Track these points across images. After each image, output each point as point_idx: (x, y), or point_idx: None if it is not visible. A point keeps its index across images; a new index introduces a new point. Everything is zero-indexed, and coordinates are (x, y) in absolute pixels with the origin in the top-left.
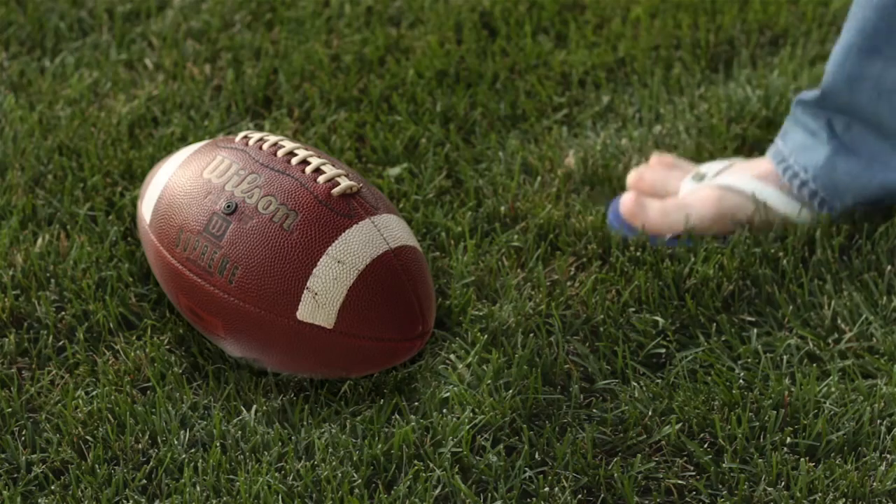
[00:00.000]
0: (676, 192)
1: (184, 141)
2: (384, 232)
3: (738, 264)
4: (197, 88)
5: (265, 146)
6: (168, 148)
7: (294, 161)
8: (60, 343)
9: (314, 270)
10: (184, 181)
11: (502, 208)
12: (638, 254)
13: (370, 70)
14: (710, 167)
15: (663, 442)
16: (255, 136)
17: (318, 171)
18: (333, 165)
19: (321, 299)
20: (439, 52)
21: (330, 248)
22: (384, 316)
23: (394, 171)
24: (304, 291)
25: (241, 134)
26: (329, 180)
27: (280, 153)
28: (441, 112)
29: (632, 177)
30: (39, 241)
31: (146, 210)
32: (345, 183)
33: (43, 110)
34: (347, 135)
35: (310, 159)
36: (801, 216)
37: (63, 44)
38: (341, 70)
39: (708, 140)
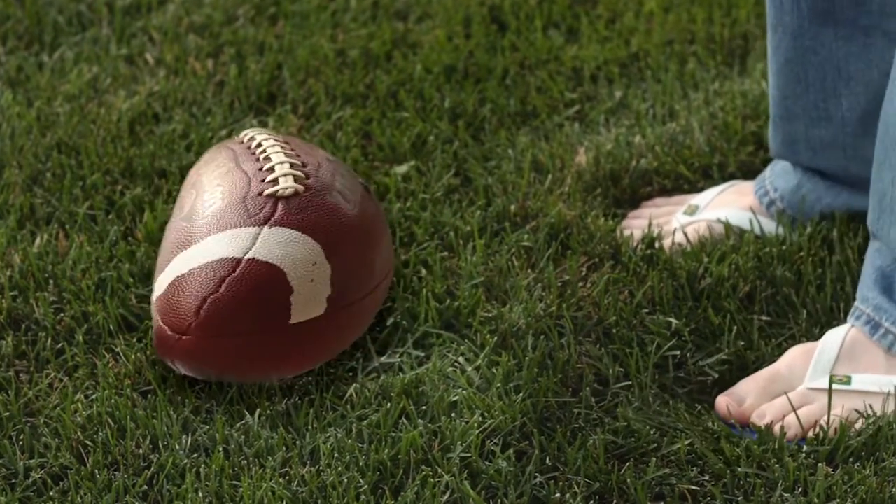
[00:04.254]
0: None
1: (185, 138)
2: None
3: (754, 264)
4: (199, 84)
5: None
6: (169, 145)
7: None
8: (59, 345)
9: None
10: (345, 230)
11: (512, 207)
12: (651, 253)
13: (377, 65)
14: (703, 197)
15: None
16: (257, 138)
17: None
18: (292, 165)
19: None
20: (447, 46)
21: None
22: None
23: (401, 168)
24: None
25: (291, 185)
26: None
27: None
28: (449, 108)
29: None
30: (38, 240)
31: (312, 307)
32: (281, 186)
33: (41, 106)
34: (353, 132)
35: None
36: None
37: (62, 38)
38: (347, 65)
39: (723, 138)
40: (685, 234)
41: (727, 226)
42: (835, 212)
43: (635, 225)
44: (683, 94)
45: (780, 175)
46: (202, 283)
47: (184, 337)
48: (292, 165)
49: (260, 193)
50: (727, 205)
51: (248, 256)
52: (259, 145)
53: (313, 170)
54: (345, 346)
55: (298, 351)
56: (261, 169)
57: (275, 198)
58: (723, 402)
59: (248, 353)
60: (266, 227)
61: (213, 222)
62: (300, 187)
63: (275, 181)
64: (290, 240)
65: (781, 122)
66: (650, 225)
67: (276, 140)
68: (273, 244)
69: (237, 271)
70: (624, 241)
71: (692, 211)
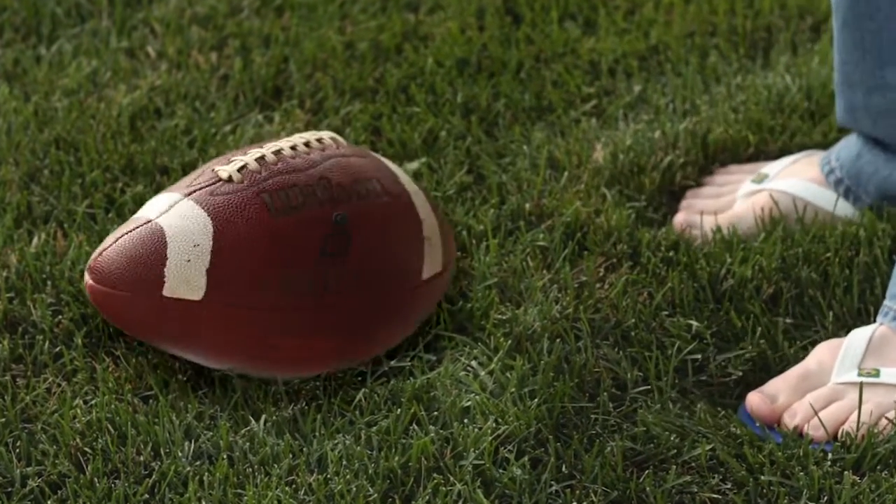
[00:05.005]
0: (731, 205)
1: (188, 134)
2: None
3: (778, 265)
4: (202, 78)
5: (275, 158)
6: (172, 141)
7: (306, 150)
8: (57, 349)
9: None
10: (251, 234)
11: (527, 205)
12: (671, 254)
13: (386, 58)
14: (774, 166)
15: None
16: (244, 160)
17: (316, 141)
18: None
19: (432, 245)
20: (460, 39)
21: (405, 183)
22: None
23: (412, 165)
24: (424, 242)
25: (222, 170)
26: (330, 138)
27: (289, 154)
28: (462, 103)
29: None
30: (35, 240)
31: (187, 288)
32: (327, 134)
33: (38, 101)
34: (362, 127)
35: (297, 139)
36: (838, 209)
37: (60, 30)
38: (356, 58)
39: (747, 133)
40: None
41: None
42: (888, 190)
43: (690, 220)
44: (705, 88)
45: (844, 145)
46: (112, 235)
47: (87, 279)
48: (263, 157)
49: (212, 170)
50: (794, 175)
51: (156, 219)
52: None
53: (282, 169)
54: (229, 354)
55: (173, 328)
56: (244, 153)
57: (216, 177)
58: (756, 398)
59: (126, 312)
60: (185, 199)
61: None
62: (237, 175)
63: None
64: (191, 216)
65: (842, 88)
66: (702, 220)
67: (287, 142)
68: (177, 214)
69: (135, 230)
70: (645, 240)
71: (760, 179)
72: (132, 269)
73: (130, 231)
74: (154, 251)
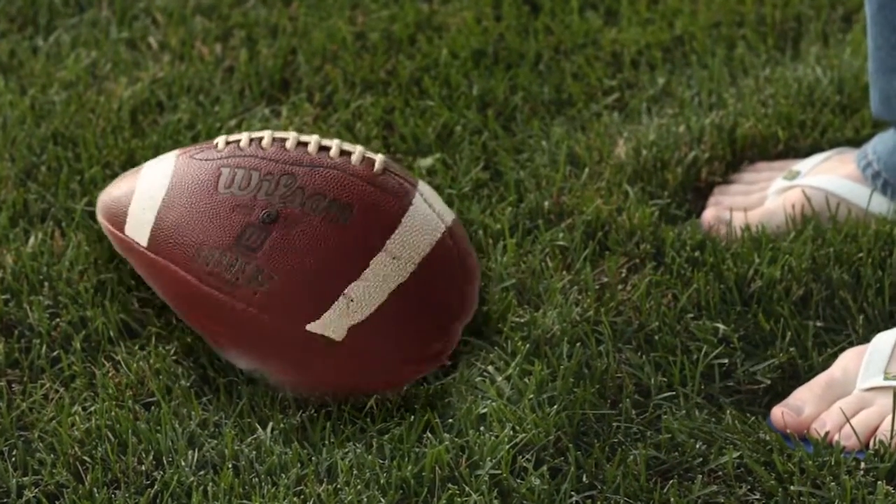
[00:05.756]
0: (762, 202)
1: (191, 128)
2: (434, 205)
3: (808, 266)
4: (206, 70)
5: (265, 143)
6: (174, 136)
7: (312, 149)
8: (55, 353)
9: (363, 273)
10: (193, 200)
11: (546, 203)
12: (696, 254)
13: (399, 50)
14: (805, 163)
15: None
16: (239, 137)
17: (344, 153)
18: (345, 143)
19: (354, 307)
20: (476, 29)
21: (388, 240)
22: (414, 329)
23: (425, 161)
24: (340, 298)
25: (220, 139)
26: (363, 159)
27: (290, 145)
28: (478, 96)
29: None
30: (31, 239)
31: (139, 233)
32: (379, 157)
33: (35, 94)
34: (374, 122)
35: (325, 143)
36: (872, 204)
37: (58, 20)
38: (367, 50)
39: (776, 128)
40: (781, 202)
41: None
42: None
43: (719, 216)
44: (732, 80)
45: (879, 139)
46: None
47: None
48: (260, 139)
49: (372, 175)
50: (828, 171)
51: (144, 166)
52: (275, 140)
53: (263, 155)
54: (172, 304)
55: (133, 262)
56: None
57: (212, 143)
58: (778, 413)
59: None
60: (173, 157)
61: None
62: (222, 144)
63: (364, 159)
64: (162, 172)
65: (876, 76)
66: (731, 216)
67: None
68: (157, 167)
69: (132, 172)
70: (669, 239)
71: (792, 176)
72: (114, 204)
73: (131, 172)
74: (126, 193)
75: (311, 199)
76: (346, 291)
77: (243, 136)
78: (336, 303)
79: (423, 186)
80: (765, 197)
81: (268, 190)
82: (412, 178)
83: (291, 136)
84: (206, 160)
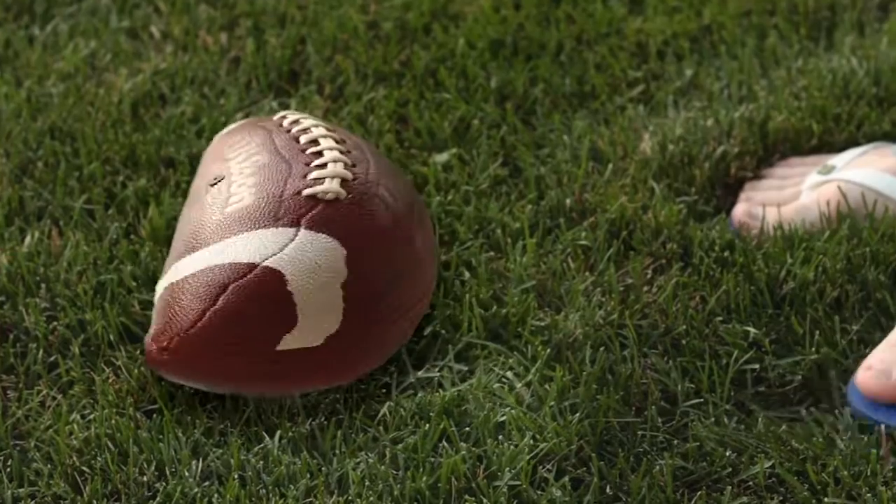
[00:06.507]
0: (795, 197)
1: (195, 122)
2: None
3: (843, 266)
4: (211, 61)
5: (293, 130)
6: (178, 130)
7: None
8: (52, 358)
9: None
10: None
11: (567, 201)
12: (726, 254)
13: (413, 39)
14: (841, 158)
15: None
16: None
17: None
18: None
19: None
20: (494, 18)
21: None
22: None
23: (441, 157)
24: None
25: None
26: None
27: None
28: (496, 89)
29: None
30: (27, 239)
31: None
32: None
33: (32, 87)
34: (387, 115)
35: (326, 152)
36: None
37: (55, 9)
38: (380, 39)
39: (809, 122)
40: (815, 196)
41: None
42: None
43: (751, 211)
44: (763, 72)
45: None
46: (203, 291)
47: (168, 350)
48: (345, 165)
49: (297, 192)
50: (865, 165)
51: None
52: (305, 130)
53: (363, 171)
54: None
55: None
56: (308, 164)
57: (315, 199)
58: (867, 377)
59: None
60: (302, 229)
61: (235, 223)
62: (342, 192)
63: (319, 180)
64: (321, 247)
65: None
66: (764, 213)
67: (328, 130)
68: (299, 249)
69: (245, 278)
70: (697, 238)
71: (827, 171)
72: (247, 328)
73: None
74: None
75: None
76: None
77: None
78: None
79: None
80: (798, 192)
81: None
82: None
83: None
84: (343, 210)
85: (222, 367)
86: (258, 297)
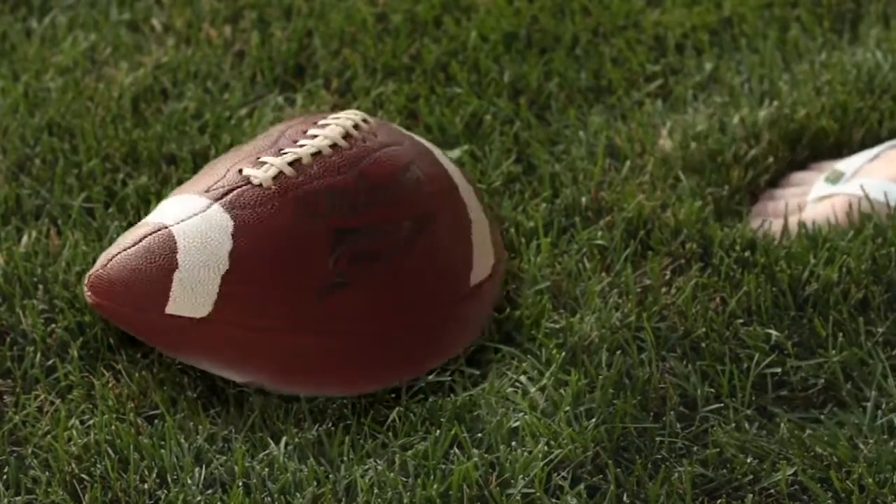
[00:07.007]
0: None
1: (198, 118)
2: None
3: (868, 266)
4: (215, 54)
5: (306, 162)
6: (180, 126)
7: (342, 143)
8: (50, 362)
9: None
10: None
11: (583, 199)
12: (747, 254)
13: (424, 32)
14: (849, 163)
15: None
16: (279, 168)
17: (356, 128)
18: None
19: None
20: (507, 10)
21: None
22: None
23: (452, 154)
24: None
25: (235, 177)
26: (364, 121)
27: (328, 153)
28: (509, 83)
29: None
30: (25, 238)
31: (191, 308)
32: (353, 114)
33: (29, 81)
34: (396, 110)
35: (333, 123)
36: None
37: (53, 0)
38: (389, 32)
39: (832, 118)
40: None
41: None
42: None
43: (770, 210)
44: (785, 66)
45: None
46: (123, 239)
47: (88, 284)
48: (295, 161)
49: (239, 170)
50: (874, 173)
51: (172, 226)
52: (327, 125)
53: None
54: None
55: (175, 341)
56: (280, 150)
57: (246, 180)
58: None
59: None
60: (216, 204)
61: (186, 184)
62: (269, 183)
63: (262, 164)
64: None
65: None
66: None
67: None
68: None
69: (146, 238)
70: (717, 238)
71: (836, 178)
72: (136, 285)
73: (141, 239)
74: (161, 266)
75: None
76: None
77: (277, 163)
78: (472, 250)
79: (382, 124)
80: (805, 203)
81: (349, 204)
82: (369, 123)
83: (319, 143)
84: (260, 203)
85: (120, 316)
86: (151, 256)
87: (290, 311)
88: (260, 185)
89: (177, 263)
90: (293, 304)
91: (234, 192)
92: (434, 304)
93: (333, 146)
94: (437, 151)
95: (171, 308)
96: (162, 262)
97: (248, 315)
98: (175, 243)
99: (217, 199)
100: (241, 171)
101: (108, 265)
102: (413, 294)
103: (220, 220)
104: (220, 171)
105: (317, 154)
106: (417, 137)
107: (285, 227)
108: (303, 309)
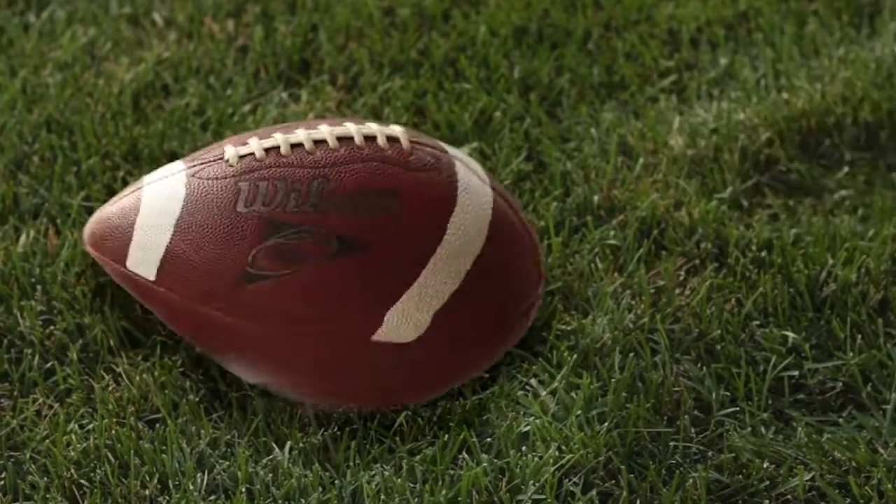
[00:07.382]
0: None
1: (200, 114)
2: (474, 168)
3: (887, 267)
4: (217, 49)
5: (284, 151)
6: (181, 123)
7: (333, 144)
8: (49, 364)
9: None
10: (211, 222)
11: (595, 198)
12: (763, 254)
13: (432, 27)
14: None
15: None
16: (251, 149)
17: (368, 138)
18: (356, 120)
19: (427, 298)
20: (517, 4)
21: (449, 222)
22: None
23: (461, 151)
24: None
25: (229, 152)
26: (393, 139)
27: (310, 147)
28: (519, 79)
29: None
30: (23, 238)
31: (144, 268)
32: (398, 131)
33: (27, 76)
34: (404, 107)
35: (340, 131)
36: None
37: None
38: (396, 27)
39: (850, 113)
40: None
41: None
42: None
43: None
44: (802, 61)
45: None
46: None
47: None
48: (271, 150)
49: (220, 145)
50: None
51: (145, 186)
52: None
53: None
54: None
55: (138, 296)
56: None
57: (220, 155)
58: None
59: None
60: (181, 172)
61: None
62: (235, 159)
63: (246, 144)
64: (171, 193)
65: None
66: None
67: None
68: (163, 187)
69: (128, 195)
70: (732, 237)
71: None
72: (111, 234)
73: (128, 196)
74: (125, 222)
75: (354, 198)
76: (412, 285)
77: (254, 145)
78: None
79: (452, 150)
80: None
81: (298, 200)
82: (436, 142)
83: (304, 136)
84: (218, 178)
85: (106, 266)
86: (123, 211)
87: (216, 290)
88: (227, 161)
89: (137, 221)
90: (219, 285)
91: (207, 164)
92: (326, 332)
93: (320, 142)
94: (496, 213)
95: (129, 263)
96: (129, 217)
97: (183, 285)
98: (140, 201)
99: (190, 167)
100: (221, 145)
101: (98, 216)
102: (315, 308)
103: (178, 187)
104: (224, 142)
105: (297, 146)
106: (489, 189)
107: (224, 206)
108: (228, 291)
